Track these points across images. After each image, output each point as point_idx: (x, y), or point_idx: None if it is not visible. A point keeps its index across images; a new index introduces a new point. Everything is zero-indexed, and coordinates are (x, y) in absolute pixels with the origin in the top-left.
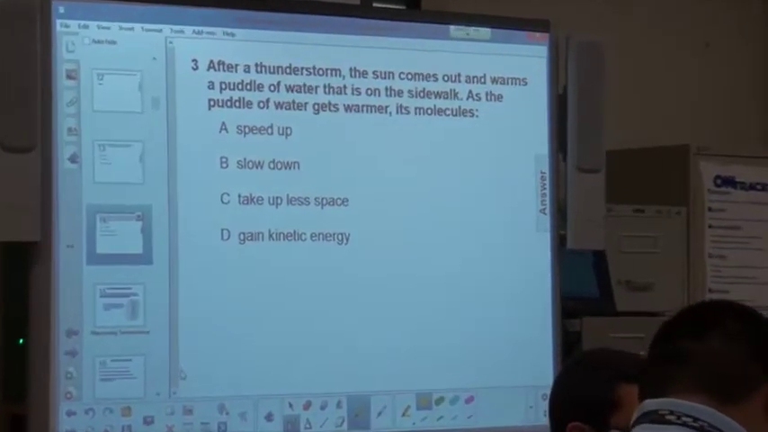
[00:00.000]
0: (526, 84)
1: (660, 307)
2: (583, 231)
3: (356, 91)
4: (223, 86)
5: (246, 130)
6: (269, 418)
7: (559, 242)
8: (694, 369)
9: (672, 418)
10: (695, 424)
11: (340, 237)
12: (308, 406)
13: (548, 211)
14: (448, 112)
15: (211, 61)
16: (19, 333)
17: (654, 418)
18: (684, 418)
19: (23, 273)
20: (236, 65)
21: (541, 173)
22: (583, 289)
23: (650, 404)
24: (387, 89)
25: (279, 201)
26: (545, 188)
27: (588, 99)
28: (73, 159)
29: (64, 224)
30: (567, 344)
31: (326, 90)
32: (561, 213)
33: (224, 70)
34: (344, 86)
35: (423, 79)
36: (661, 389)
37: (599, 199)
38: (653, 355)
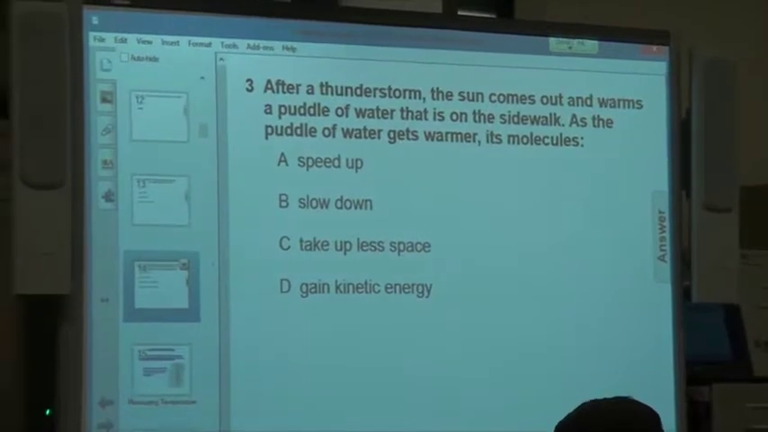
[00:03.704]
0: (641, 107)
1: None
2: (712, 282)
3: (439, 116)
4: (282, 111)
5: (310, 162)
6: None
7: (683, 295)
8: None
9: None
10: None
11: (420, 288)
12: None
13: (668, 258)
14: (547, 141)
15: (269, 81)
16: (46, 402)
17: None
18: None
19: (51, 331)
20: (298, 85)
21: (660, 213)
22: (712, 351)
23: None
24: (475, 113)
25: (348, 246)
26: (665, 231)
27: (717, 125)
28: (108, 197)
29: (97, 274)
30: (695, 417)
31: (404, 115)
32: (685, 261)
33: (283, 91)
34: (425, 110)
35: (518, 102)
36: None
37: (731, 243)
38: None
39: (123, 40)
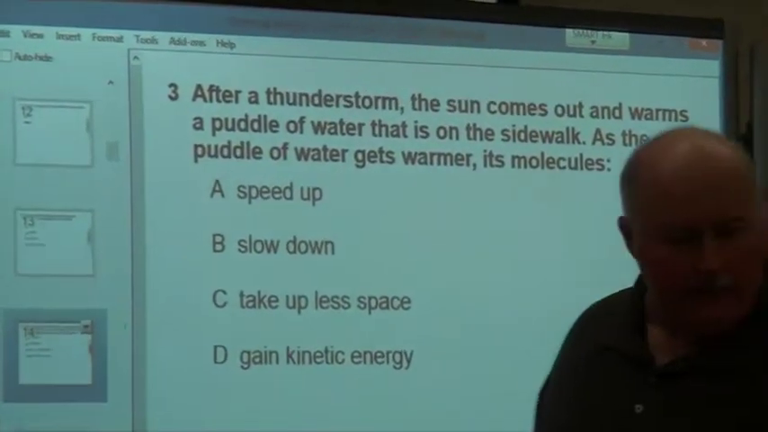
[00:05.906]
0: (686, 118)
1: None
2: None
3: (422, 131)
4: (217, 125)
5: (253, 192)
6: None
7: None
8: None
9: None
10: None
11: (398, 357)
12: None
13: None
14: (563, 164)
15: (199, 86)
16: None
17: None
18: None
19: None
20: (238, 92)
21: None
22: None
23: None
24: (469, 128)
25: (303, 302)
26: None
27: None
28: None
29: None
30: None
31: (376, 130)
32: None
33: (218, 100)
34: (403, 124)
35: (525, 112)
36: None
37: None
38: None
39: (5, 34)
